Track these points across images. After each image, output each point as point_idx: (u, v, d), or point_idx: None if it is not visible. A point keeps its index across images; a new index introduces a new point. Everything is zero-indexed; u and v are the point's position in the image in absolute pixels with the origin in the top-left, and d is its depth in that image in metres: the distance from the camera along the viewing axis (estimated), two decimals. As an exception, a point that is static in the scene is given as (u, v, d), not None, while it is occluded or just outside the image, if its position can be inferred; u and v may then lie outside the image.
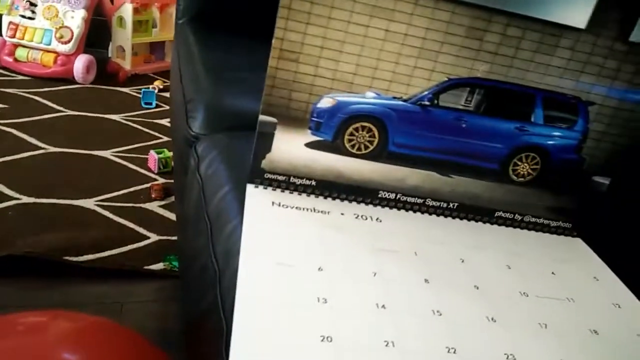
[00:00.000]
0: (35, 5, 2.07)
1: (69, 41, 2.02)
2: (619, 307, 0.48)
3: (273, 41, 0.46)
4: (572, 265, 0.53)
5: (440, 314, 0.40)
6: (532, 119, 0.53)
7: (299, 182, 0.52)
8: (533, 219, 0.58)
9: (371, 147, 0.52)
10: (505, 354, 0.39)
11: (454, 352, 0.37)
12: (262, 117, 0.49)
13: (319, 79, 0.49)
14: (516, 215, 0.57)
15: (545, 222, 0.58)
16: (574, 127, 0.54)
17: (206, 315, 0.43)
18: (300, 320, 0.36)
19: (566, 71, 0.51)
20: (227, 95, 0.77)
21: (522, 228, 0.58)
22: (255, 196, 0.50)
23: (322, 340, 0.35)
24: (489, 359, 0.38)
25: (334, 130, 0.51)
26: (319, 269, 0.42)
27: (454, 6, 0.47)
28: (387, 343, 0.36)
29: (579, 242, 0.58)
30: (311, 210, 0.50)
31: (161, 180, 1.40)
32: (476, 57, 0.49)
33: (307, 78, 0.48)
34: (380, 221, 0.51)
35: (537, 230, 0.58)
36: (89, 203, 1.24)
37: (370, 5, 0.46)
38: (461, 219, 0.56)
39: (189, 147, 0.67)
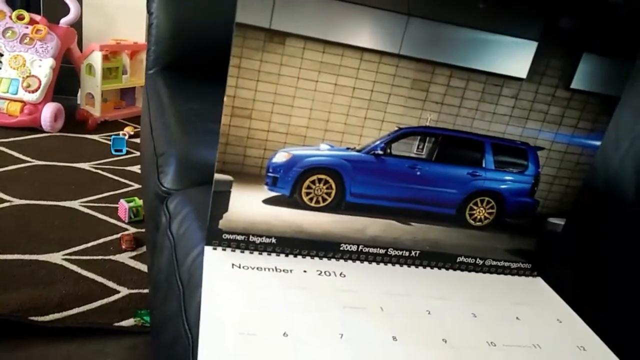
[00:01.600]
0: (2, 55, 2.06)
1: (36, 90, 2.01)
2: (584, 349, 0.49)
3: (225, 99, 0.47)
4: (534, 308, 0.54)
5: None
6: (484, 165, 0.55)
7: (258, 241, 0.52)
8: (494, 262, 0.59)
9: (329, 199, 0.53)
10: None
11: None
12: (217, 176, 0.49)
13: (272, 134, 0.50)
14: (477, 259, 0.58)
15: (506, 264, 0.59)
16: (525, 171, 0.56)
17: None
18: None
19: (512, 118, 0.53)
20: (199, 148, 0.77)
21: (484, 272, 0.59)
22: (214, 259, 0.49)
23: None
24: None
25: (290, 184, 0.52)
26: (284, 334, 0.41)
27: (397, 60, 0.49)
28: None
29: (539, 281, 0.60)
30: (273, 270, 0.50)
31: (132, 230, 1.38)
32: (423, 107, 0.51)
33: (261, 134, 0.49)
34: (344, 276, 0.52)
35: (498, 273, 0.59)
36: (56, 257, 1.21)
37: (317, 61, 0.48)
38: (424, 267, 0.57)
39: (160, 203, 0.67)
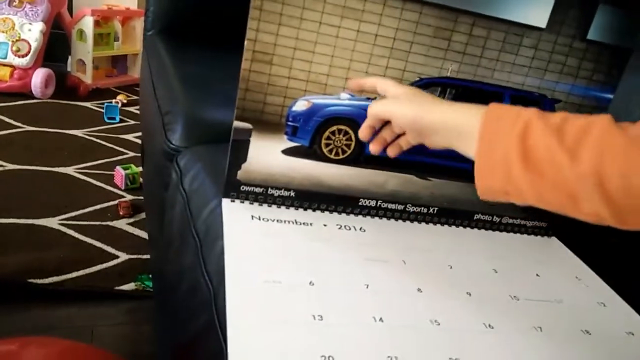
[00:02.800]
0: (-11, 18, 1.98)
1: (26, 54, 1.95)
2: (604, 305, 0.49)
3: (245, 42, 0.45)
4: (553, 266, 0.54)
5: (439, 324, 0.40)
6: None
7: (277, 194, 0.51)
8: (510, 220, 0.58)
9: (348, 151, 0.52)
10: (507, 360, 0.38)
11: None
12: (236, 124, 0.48)
13: (293, 81, 0.48)
14: (494, 217, 0.58)
15: (522, 222, 0.59)
16: None
17: (201, 337, 0.41)
18: (299, 340, 0.35)
19: (531, 69, 0.53)
20: (205, 106, 0.75)
21: (500, 230, 0.58)
22: (233, 211, 0.48)
23: (324, 360, 0.34)
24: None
25: (310, 134, 0.51)
26: (310, 282, 0.41)
27: (421, 6, 0.48)
28: (391, 358, 0.35)
29: (555, 241, 0.59)
30: (293, 223, 0.49)
31: (129, 197, 1.36)
32: (445, 56, 0.51)
33: (281, 80, 0.48)
34: (364, 231, 0.51)
35: (515, 232, 0.59)
36: (52, 222, 1.19)
37: (340, 5, 0.46)
38: (442, 224, 0.56)
39: (168, 161, 0.65)
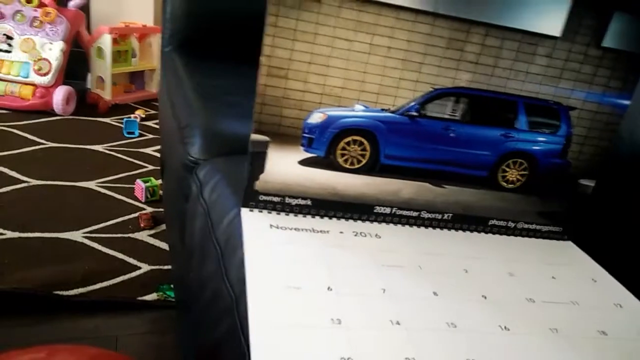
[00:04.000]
0: (12, 38, 2.06)
1: (47, 73, 2.01)
2: (621, 307, 0.49)
3: (261, 58, 0.47)
4: (569, 269, 0.54)
5: (455, 326, 0.41)
6: (516, 126, 0.55)
7: (294, 203, 0.52)
8: (525, 225, 0.59)
9: (364, 161, 0.53)
10: (524, 363, 0.39)
11: None
12: (254, 136, 0.49)
13: (308, 94, 0.50)
14: (509, 222, 0.58)
15: (537, 227, 0.59)
16: (557, 132, 0.56)
17: (224, 342, 0.43)
18: (318, 342, 0.36)
19: (545, 78, 0.53)
20: (222, 119, 0.77)
21: (515, 235, 0.59)
22: (252, 220, 0.50)
23: (342, 363, 0.35)
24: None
25: (326, 145, 0.52)
26: (328, 288, 0.42)
27: (433, 18, 0.49)
28: None
29: (570, 245, 0.60)
30: (310, 230, 0.50)
31: (149, 209, 1.39)
32: (458, 67, 0.51)
33: (297, 94, 0.49)
34: (380, 237, 0.52)
35: (529, 237, 0.59)
36: (76, 235, 1.22)
37: (353, 20, 0.48)
38: (456, 229, 0.57)
39: (188, 173, 0.67)
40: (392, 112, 0.52)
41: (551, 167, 0.57)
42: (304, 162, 0.52)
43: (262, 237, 0.47)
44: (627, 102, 0.55)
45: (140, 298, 1.04)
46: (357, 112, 0.51)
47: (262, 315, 0.37)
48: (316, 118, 0.51)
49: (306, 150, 0.51)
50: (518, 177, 0.57)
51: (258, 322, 0.37)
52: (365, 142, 0.53)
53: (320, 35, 0.48)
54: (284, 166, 0.51)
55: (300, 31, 0.47)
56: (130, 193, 1.47)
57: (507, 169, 0.56)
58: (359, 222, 0.54)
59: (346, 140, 0.52)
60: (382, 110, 0.51)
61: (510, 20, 0.50)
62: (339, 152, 0.52)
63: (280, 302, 0.39)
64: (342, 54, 0.49)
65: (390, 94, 0.51)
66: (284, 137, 0.51)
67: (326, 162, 0.52)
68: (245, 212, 0.51)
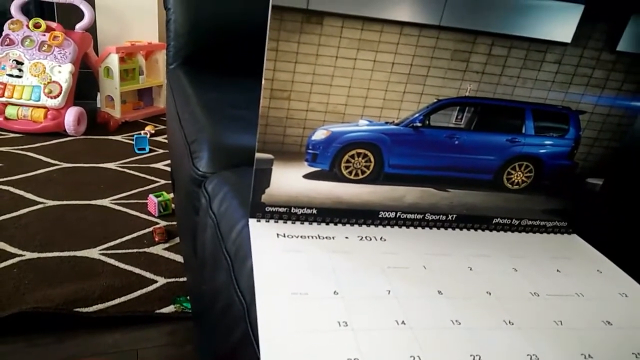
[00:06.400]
0: (22, 64, 2.11)
1: (57, 95, 2.06)
2: (626, 296, 0.50)
3: (263, 82, 0.47)
4: (574, 261, 0.55)
5: (460, 323, 0.42)
6: (523, 131, 0.54)
7: (300, 212, 0.54)
8: (530, 222, 0.60)
9: (368, 172, 0.54)
10: (528, 355, 0.40)
11: (479, 359, 0.39)
12: (258, 155, 0.50)
13: (311, 113, 0.50)
14: (513, 220, 0.59)
15: (542, 223, 0.60)
16: (565, 135, 0.55)
17: (238, 350, 0.44)
18: (325, 345, 0.37)
19: (554, 84, 0.52)
20: (229, 133, 0.79)
21: (519, 232, 0.60)
22: (259, 230, 0.51)
23: (349, 363, 0.36)
24: (512, 362, 0.39)
25: (330, 159, 0.52)
26: (334, 292, 0.43)
27: (437, 32, 0.48)
28: (414, 358, 0.38)
29: (576, 238, 0.60)
30: (316, 238, 0.52)
31: (163, 223, 1.42)
32: (463, 77, 0.50)
33: (300, 114, 0.50)
34: (385, 240, 0.53)
35: (534, 232, 0.60)
36: (93, 253, 1.25)
37: (356, 39, 0.47)
38: (461, 229, 0.58)
39: (197, 187, 0.69)
40: (396, 124, 0.52)
41: (558, 168, 0.57)
42: (309, 176, 0.53)
43: (269, 245, 0.49)
44: (640, 104, 0.53)
45: (158, 311, 1.06)
46: (360, 126, 0.51)
47: (271, 322, 0.39)
48: (320, 135, 0.51)
49: (310, 165, 0.52)
50: (524, 178, 0.57)
51: (267, 329, 0.38)
52: (370, 154, 0.53)
53: (322, 56, 0.47)
54: (289, 180, 0.52)
55: (302, 54, 0.47)
56: (143, 208, 1.50)
57: (513, 172, 0.56)
58: (364, 226, 0.56)
59: (350, 153, 0.53)
60: (386, 123, 0.51)
61: (519, 29, 0.49)
62: (343, 165, 0.53)
63: (288, 309, 0.41)
64: (345, 73, 0.48)
65: (394, 108, 0.51)
66: (288, 154, 0.51)
67: (330, 174, 0.53)
68: (252, 222, 0.52)
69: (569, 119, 0.54)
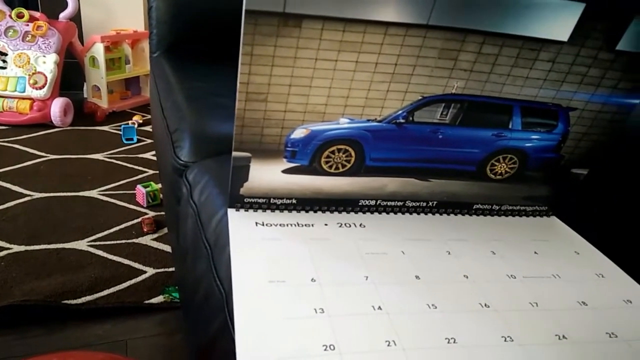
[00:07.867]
0: (6, 54, 2.08)
1: (43, 86, 2.03)
2: (603, 276, 0.50)
3: (238, 85, 0.45)
4: (552, 243, 0.55)
5: (436, 307, 0.42)
6: (510, 126, 0.53)
7: (279, 202, 0.54)
8: (510, 207, 0.60)
9: (348, 165, 0.53)
10: (502, 337, 0.41)
11: (454, 342, 0.39)
12: (235, 154, 0.49)
13: (290, 114, 0.48)
14: (494, 205, 0.60)
15: (522, 208, 0.60)
16: (553, 130, 0.54)
17: (216, 339, 0.45)
18: (302, 333, 0.38)
19: (546, 82, 0.50)
20: (210, 121, 0.79)
21: (499, 216, 0.60)
22: (238, 219, 0.51)
23: (325, 350, 0.37)
24: (488, 344, 0.40)
25: (310, 156, 0.51)
26: (312, 279, 0.43)
27: (425, 31, 0.45)
28: (389, 343, 0.38)
29: (555, 220, 0.61)
30: (295, 225, 0.52)
31: (151, 214, 1.41)
32: (450, 75, 0.48)
33: (278, 114, 0.48)
34: (364, 226, 0.53)
35: (514, 216, 0.61)
36: (82, 244, 1.25)
37: (337, 41, 0.45)
38: (440, 214, 0.58)
39: (178, 177, 0.69)
40: (379, 121, 0.50)
41: (543, 161, 0.56)
42: (288, 171, 0.52)
43: (247, 234, 0.49)
44: (635, 101, 0.53)
45: (147, 301, 1.06)
46: (341, 125, 0.50)
47: (247, 311, 0.39)
48: (299, 133, 0.50)
49: (289, 162, 0.51)
50: (507, 169, 0.56)
51: (243, 318, 0.38)
52: (350, 149, 0.52)
53: (301, 58, 0.45)
54: (268, 175, 0.52)
55: (279, 57, 0.44)
56: (131, 199, 1.50)
57: (497, 163, 0.56)
58: (344, 213, 0.56)
59: (331, 149, 0.52)
60: (368, 120, 0.50)
61: (512, 27, 0.46)
62: (323, 160, 0.52)
63: (265, 297, 0.41)
64: (325, 74, 0.46)
65: (377, 106, 0.49)
66: (267, 152, 0.50)
67: (310, 169, 0.52)
68: (231, 212, 0.52)
69: (559, 115, 0.53)
